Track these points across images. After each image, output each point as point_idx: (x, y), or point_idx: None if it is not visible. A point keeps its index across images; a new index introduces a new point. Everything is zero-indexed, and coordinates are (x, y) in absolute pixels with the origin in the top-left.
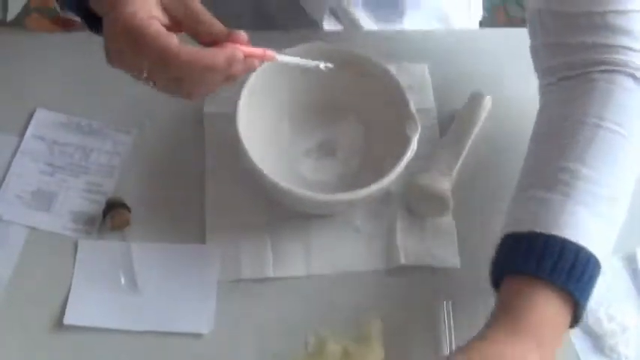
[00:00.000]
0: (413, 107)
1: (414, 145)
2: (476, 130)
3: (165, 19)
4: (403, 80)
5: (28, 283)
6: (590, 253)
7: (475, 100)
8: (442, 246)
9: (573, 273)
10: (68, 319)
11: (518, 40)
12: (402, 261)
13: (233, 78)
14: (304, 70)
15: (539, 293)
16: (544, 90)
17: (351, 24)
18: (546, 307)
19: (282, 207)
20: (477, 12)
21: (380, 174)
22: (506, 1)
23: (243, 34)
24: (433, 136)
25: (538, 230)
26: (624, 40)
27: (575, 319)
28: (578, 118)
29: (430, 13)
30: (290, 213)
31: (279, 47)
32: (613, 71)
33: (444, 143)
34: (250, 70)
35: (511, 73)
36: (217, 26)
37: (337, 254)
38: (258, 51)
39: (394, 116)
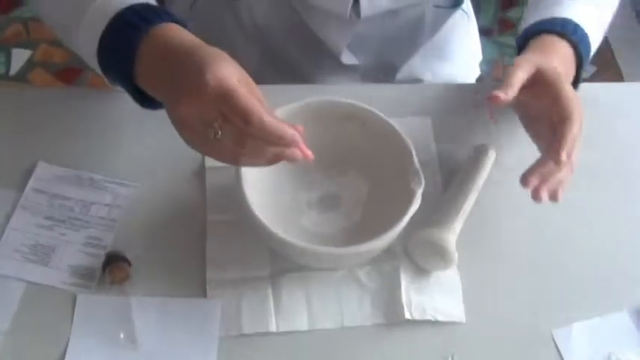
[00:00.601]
0: (417, 161)
1: (418, 199)
2: (480, 183)
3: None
4: (406, 133)
5: (25, 338)
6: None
7: (479, 152)
8: (447, 300)
9: (579, 34)
10: None
11: None
12: (407, 316)
13: (277, 160)
14: (307, 123)
15: (560, 43)
16: None
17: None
18: (563, 48)
19: (283, 260)
20: (476, 51)
21: (384, 227)
22: (504, 55)
23: (301, 127)
24: (437, 190)
25: (555, 15)
26: None
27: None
28: None
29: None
30: (292, 266)
31: (281, 100)
32: None
33: (448, 197)
34: (292, 159)
35: (513, 125)
36: (274, 114)
37: (340, 308)
38: (304, 149)
39: (398, 170)
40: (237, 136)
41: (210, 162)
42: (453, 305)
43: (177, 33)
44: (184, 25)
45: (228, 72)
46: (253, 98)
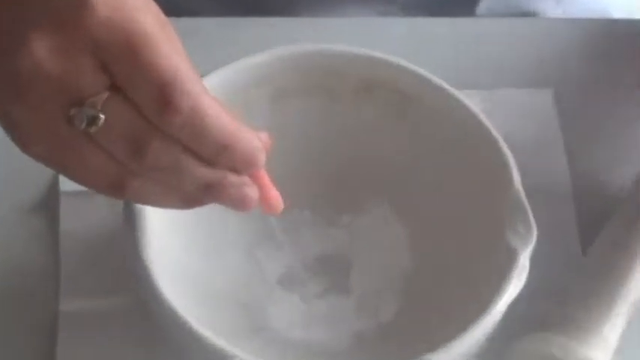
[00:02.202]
0: (520, 187)
1: (523, 268)
2: None
3: None
4: (500, 126)
5: None
6: None
7: None
8: None
9: None
10: None
11: None
12: None
13: (209, 197)
14: (283, 102)
15: None
16: None
17: None
18: None
19: None
20: None
21: (446, 331)
22: None
23: (265, 135)
24: (568, 248)
25: None
26: None
27: None
28: None
29: None
30: None
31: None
32: None
33: (594, 266)
34: (242, 205)
35: None
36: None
37: None
38: (271, 187)
39: (479, 204)
40: (134, 134)
41: (68, 184)
42: None
43: None
44: None
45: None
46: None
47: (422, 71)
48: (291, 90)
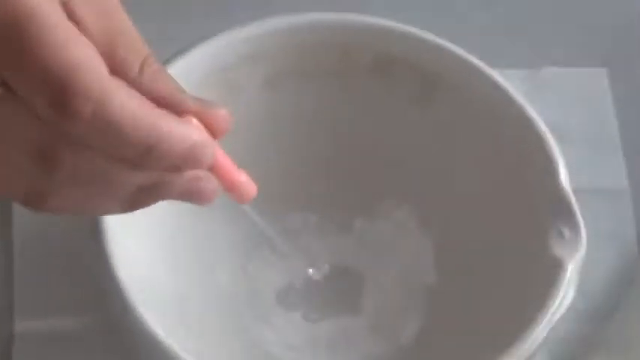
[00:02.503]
0: (567, 183)
1: (570, 282)
2: None
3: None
4: (546, 115)
5: None
6: None
7: None
8: None
9: None
10: None
11: None
12: None
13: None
14: (279, 81)
15: None
16: None
17: None
18: None
19: None
20: None
21: (478, 357)
22: None
23: (222, 110)
24: (625, 254)
25: None
26: None
27: None
28: None
29: None
30: None
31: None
32: None
33: None
34: (203, 198)
35: None
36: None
37: None
38: (235, 173)
39: (514, 208)
40: (37, 142)
41: None
42: None
43: None
44: None
45: None
46: (85, 43)
47: (449, 45)
48: (289, 70)
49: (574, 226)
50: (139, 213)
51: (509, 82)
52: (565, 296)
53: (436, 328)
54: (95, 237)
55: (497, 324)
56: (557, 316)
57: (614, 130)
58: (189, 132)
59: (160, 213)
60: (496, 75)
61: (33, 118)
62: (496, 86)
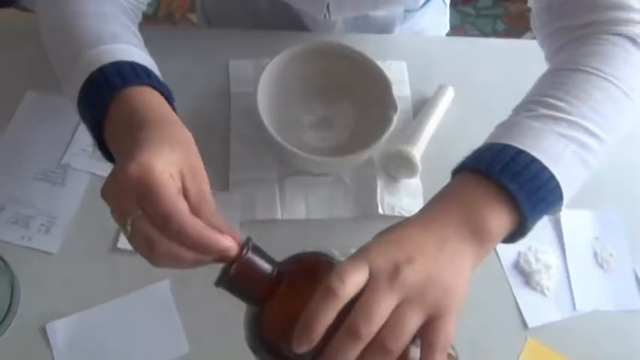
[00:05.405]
0: (394, 94)
1: (393, 123)
2: (440, 113)
3: (178, 182)
4: (387, 73)
5: (90, 215)
6: (543, 166)
7: (441, 90)
8: (411, 201)
9: (518, 172)
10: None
11: (479, 46)
12: (380, 211)
13: (200, 264)
14: (309, 59)
15: (473, 182)
16: (548, 60)
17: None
18: (476, 193)
19: (288, 166)
20: (444, 28)
21: (366, 144)
22: (465, 22)
23: (237, 234)
24: (408, 117)
25: (495, 142)
26: (622, 14)
27: (522, 230)
28: (576, 67)
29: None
30: (295, 171)
31: (272, 47)
32: (617, 35)
33: (416, 122)
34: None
35: (473, 71)
36: (218, 217)
37: (330, 204)
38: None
39: (379, 100)
40: (148, 239)
41: (234, 87)
42: (415, 205)
43: (149, 98)
44: (167, 89)
45: (162, 164)
46: (181, 198)
47: (360, 50)
48: (313, 57)
49: (395, 107)
50: (271, 88)
51: (378, 63)
52: (391, 126)
53: (353, 137)
54: (255, 99)
55: (372, 135)
56: (387, 134)
57: (408, 86)
58: (222, 242)
59: (278, 89)
60: (373, 59)
61: (151, 225)
62: (373, 62)
